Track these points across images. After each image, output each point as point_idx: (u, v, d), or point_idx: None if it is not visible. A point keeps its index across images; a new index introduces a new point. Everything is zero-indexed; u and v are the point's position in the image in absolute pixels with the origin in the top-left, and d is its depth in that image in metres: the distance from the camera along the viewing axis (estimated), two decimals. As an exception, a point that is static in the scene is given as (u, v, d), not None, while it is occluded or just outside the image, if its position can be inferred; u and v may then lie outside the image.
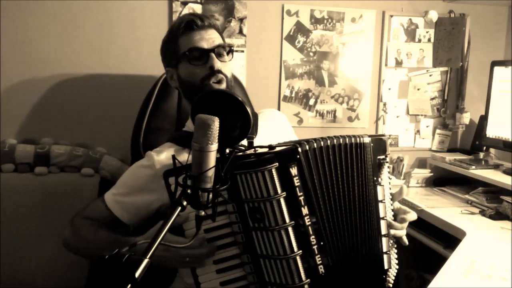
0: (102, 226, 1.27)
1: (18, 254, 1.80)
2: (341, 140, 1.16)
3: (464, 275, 1.36)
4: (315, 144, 1.12)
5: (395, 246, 1.28)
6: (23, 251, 1.80)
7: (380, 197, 1.21)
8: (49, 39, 2.00)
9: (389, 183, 1.27)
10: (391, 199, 1.28)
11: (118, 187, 1.33)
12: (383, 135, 1.27)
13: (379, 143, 1.23)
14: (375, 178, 1.20)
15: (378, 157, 1.22)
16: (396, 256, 1.27)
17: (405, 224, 1.29)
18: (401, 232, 1.28)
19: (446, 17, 2.44)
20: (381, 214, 1.20)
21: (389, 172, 1.27)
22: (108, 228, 1.26)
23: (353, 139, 1.17)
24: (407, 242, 1.31)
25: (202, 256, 1.12)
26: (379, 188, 1.20)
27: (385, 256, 1.20)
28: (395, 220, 1.28)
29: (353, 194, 1.16)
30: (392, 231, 1.24)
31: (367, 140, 1.18)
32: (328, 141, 1.14)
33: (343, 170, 1.15)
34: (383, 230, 1.21)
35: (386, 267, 1.20)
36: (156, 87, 1.72)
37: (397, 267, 1.27)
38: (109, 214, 1.29)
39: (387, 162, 1.25)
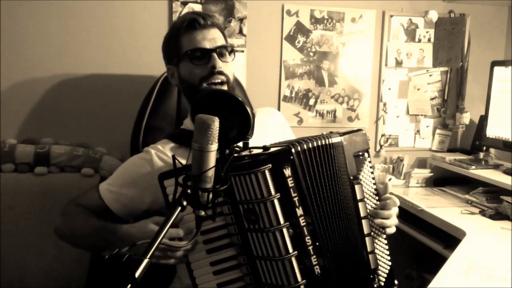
0: (92, 213, 1.27)
1: (18, 254, 1.80)
2: (320, 141, 1.14)
3: (464, 275, 1.36)
4: (304, 146, 1.12)
5: (384, 236, 1.24)
6: (23, 251, 1.80)
7: (359, 196, 1.19)
8: (49, 39, 2.00)
9: (373, 178, 1.24)
10: (376, 195, 1.26)
11: (114, 178, 1.33)
12: (359, 129, 1.23)
13: (355, 139, 1.20)
14: (351, 177, 1.18)
15: (355, 154, 1.20)
16: (387, 252, 1.25)
17: (391, 212, 1.25)
18: (389, 221, 1.24)
19: (446, 17, 2.44)
20: (362, 214, 1.19)
21: (371, 167, 1.24)
22: (98, 216, 1.25)
23: (324, 140, 1.15)
24: (391, 231, 1.27)
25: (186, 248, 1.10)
26: (357, 187, 1.18)
27: (370, 256, 1.19)
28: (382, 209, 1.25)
29: (335, 195, 1.15)
30: (378, 221, 1.21)
31: (337, 140, 1.16)
32: (314, 142, 1.13)
33: (327, 171, 1.15)
34: (366, 230, 1.19)
35: (372, 266, 1.20)
36: (155, 87, 1.72)
37: (390, 263, 1.25)
38: (101, 203, 1.29)
39: (366, 158, 1.22)
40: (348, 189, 1.17)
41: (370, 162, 1.24)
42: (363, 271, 1.20)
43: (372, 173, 1.25)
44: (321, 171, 1.14)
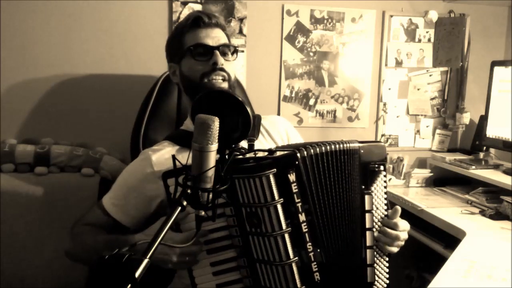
0: (101, 230, 1.26)
1: (18, 254, 1.80)
2: (334, 146, 1.13)
3: (464, 275, 1.36)
4: (311, 151, 1.11)
5: (386, 258, 1.22)
6: (23, 251, 1.80)
7: (367, 207, 1.17)
8: (49, 39, 2.00)
9: (385, 192, 1.20)
10: (386, 210, 1.22)
11: (115, 190, 1.32)
12: (379, 141, 1.21)
13: (373, 150, 1.18)
14: (363, 186, 1.16)
15: (371, 164, 1.17)
16: (387, 270, 1.22)
17: (394, 240, 1.20)
18: (391, 248, 1.20)
19: (446, 17, 2.44)
20: (367, 225, 1.16)
21: (385, 181, 1.20)
22: (108, 231, 1.25)
23: (342, 145, 1.13)
24: (391, 251, 1.22)
25: (195, 252, 1.10)
26: (367, 197, 1.16)
27: (368, 269, 1.17)
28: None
29: (342, 202, 1.14)
30: (382, 243, 1.19)
31: (355, 146, 1.15)
32: (323, 147, 1.12)
33: (335, 177, 1.13)
34: (368, 242, 1.17)
35: (369, 280, 1.17)
36: (155, 87, 1.72)
37: (387, 281, 1.22)
38: (108, 219, 1.28)
39: (381, 170, 1.18)
40: (357, 198, 1.16)
41: (385, 176, 1.20)
42: (358, 282, 1.18)
43: (385, 187, 1.21)
44: (330, 177, 1.12)
